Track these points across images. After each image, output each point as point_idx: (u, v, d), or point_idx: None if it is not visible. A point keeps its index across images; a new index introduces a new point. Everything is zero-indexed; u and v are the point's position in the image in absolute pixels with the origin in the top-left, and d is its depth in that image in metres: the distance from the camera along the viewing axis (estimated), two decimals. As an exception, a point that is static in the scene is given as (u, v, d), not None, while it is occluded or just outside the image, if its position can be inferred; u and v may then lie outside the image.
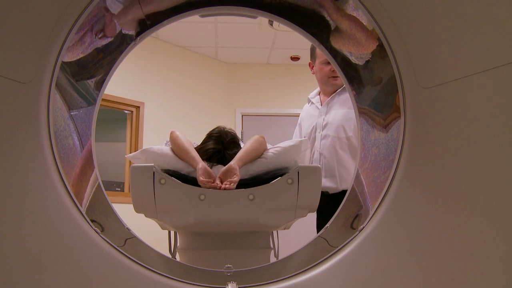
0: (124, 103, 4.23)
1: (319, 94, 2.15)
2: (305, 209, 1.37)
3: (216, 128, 1.69)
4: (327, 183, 1.91)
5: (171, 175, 1.42)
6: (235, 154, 1.48)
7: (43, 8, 0.97)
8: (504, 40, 0.88)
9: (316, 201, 1.37)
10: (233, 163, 1.43)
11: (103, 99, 1.43)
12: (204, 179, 1.37)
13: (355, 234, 1.10)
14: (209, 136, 1.66)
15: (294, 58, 5.00)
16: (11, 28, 0.93)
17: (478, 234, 0.93)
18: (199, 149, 1.58)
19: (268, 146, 1.62)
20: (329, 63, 1.93)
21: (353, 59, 1.40)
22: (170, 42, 4.67)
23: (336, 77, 1.96)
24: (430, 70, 1.02)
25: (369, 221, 1.09)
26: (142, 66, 4.36)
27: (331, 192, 1.89)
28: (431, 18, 0.99)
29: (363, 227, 1.09)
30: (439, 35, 0.98)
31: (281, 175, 1.44)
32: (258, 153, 1.54)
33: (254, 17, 1.44)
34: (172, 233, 1.59)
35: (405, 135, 1.09)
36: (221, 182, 1.38)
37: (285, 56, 5.00)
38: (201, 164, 1.42)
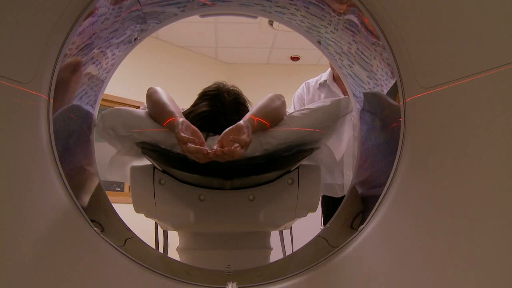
0: (124, 103, 4.24)
1: (334, 80, 1.88)
2: (305, 209, 1.37)
3: (213, 84, 1.23)
4: None
5: (149, 150, 1.10)
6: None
7: (43, 8, 0.97)
8: (505, 40, 0.88)
9: (316, 201, 1.37)
10: (242, 121, 1.01)
11: (103, 99, 1.43)
12: (185, 136, 0.95)
13: (355, 234, 1.10)
14: (203, 95, 1.20)
15: (294, 58, 5.01)
16: (11, 27, 0.93)
17: (479, 235, 0.93)
18: (188, 113, 1.16)
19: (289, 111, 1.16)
20: None
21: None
22: (170, 42, 4.67)
23: None
24: (430, 70, 1.02)
25: (369, 221, 1.09)
26: (142, 66, 4.36)
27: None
28: (431, 18, 0.99)
29: (363, 227, 1.09)
30: (439, 35, 0.98)
31: (310, 152, 1.10)
32: (278, 114, 1.09)
33: (254, 17, 1.44)
34: (161, 231, 1.47)
35: (405, 135, 1.08)
36: (222, 147, 0.95)
37: (285, 56, 5.01)
38: (182, 119, 1.02)
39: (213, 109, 1.15)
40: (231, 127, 1.01)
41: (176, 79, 4.68)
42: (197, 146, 0.94)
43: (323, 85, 1.93)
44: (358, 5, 1.11)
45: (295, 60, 5.05)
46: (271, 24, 4.18)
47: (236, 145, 0.94)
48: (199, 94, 1.22)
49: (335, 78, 1.90)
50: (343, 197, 1.85)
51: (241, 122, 1.01)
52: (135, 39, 1.44)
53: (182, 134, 0.96)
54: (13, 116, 0.97)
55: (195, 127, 1.01)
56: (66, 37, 1.03)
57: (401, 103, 1.09)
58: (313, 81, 2.00)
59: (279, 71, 5.16)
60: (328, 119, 1.12)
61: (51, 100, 1.02)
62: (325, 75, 1.95)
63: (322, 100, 1.22)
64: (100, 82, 1.37)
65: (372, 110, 1.36)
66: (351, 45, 1.29)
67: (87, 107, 1.32)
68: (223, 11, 1.42)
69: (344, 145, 1.35)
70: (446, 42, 0.97)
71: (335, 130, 1.17)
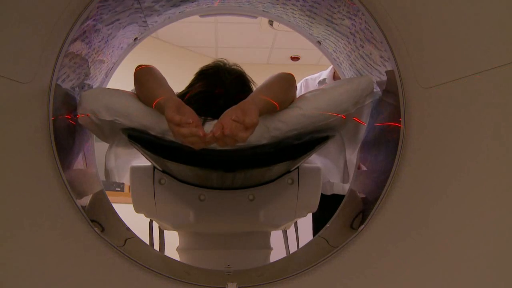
0: (124, 103, 4.23)
1: (335, 79, 1.84)
2: (305, 209, 1.37)
3: (211, 62, 1.09)
4: None
5: (137, 138, 0.95)
6: None
7: (43, 8, 0.97)
8: (505, 40, 0.88)
9: (316, 201, 1.37)
10: (247, 100, 0.86)
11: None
12: (177, 116, 0.79)
13: (355, 234, 1.09)
14: (200, 74, 1.07)
15: (294, 58, 5.00)
16: (11, 27, 0.93)
17: (482, 236, 0.93)
18: (182, 95, 1.02)
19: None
20: None
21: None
22: (170, 42, 4.67)
23: None
24: (430, 70, 1.02)
25: (369, 221, 1.09)
26: (142, 66, 4.36)
27: None
28: (431, 17, 0.99)
29: (363, 227, 1.09)
30: (439, 34, 0.98)
31: (323, 139, 0.96)
32: (288, 95, 0.95)
33: (254, 17, 1.44)
34: (157, 230, 1.45)
35: (405, 135, 1.08)
36: (223, 129, 0.78)
37: (285, 56, 5.00)
38: (175, 97, 0.87)
39: (212, 90, 1.00)
40: (233, 106, 0.84)
41: (176, 79, 4.66)
42: (191, 128, 0.78)
43: (322, 83, 1.90)
44: (358, 5, 1.11)
45: (295, 60, 5.04)
46: (271, 24, 4.17)
47: (240, 127, 0.78)
48: (196, 73, 1.06)
49: (335, 77, 1.87)
50: (332, 195, 1.83)
51: (246, 100, 0.86)
52: (135, 39, 1.44)
53: (173, 114, 0.79)
54: (13, 116, 0.97)
55: (189, 107, 0.85)
56: (66, 37, 1.03)
57: (401, 103, 1.09)
58: (312, 77, 1.98)
59: (279, 71, 5.14)
60: (346, 101, 0.97)
61: (51, 100, 1.02)
62: (325, 73, 1.93)
63: (339, 80, 1.06)
64: (85, 62, 1.23)
65: (396, 90, 1.13)
66: (361, 19, 1.18)
67: (67, 88, 1.16)
68: (223, 11, 1.42)
69: (360, 137, 1.21)
70: (446, 42, 0.97)
71: (353, 115, 1.03)
